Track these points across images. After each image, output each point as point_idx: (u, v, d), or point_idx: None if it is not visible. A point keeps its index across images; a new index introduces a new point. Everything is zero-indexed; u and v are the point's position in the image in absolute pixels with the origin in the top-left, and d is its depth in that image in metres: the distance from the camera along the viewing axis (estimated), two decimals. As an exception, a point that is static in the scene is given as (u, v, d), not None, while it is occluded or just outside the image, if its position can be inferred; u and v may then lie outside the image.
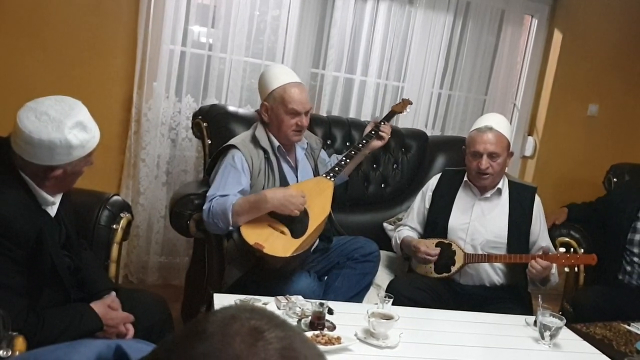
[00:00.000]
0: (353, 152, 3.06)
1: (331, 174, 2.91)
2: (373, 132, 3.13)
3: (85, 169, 1.96)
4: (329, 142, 3.50)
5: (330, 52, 3.94)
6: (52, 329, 1.79)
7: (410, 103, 3.37)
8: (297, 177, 2.91)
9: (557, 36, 4.50)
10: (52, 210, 1.96)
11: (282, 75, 2.84)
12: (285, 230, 2.63)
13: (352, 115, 4.03)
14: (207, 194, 2.68)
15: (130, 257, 3.74)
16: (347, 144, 3.54)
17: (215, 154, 2.86)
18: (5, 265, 1.73)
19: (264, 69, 3.05)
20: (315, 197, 2.75)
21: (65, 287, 1.93)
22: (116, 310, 2.02)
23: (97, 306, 1.97)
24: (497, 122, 2.91)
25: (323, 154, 3.19)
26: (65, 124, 1.80)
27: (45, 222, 1.87)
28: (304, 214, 2.68)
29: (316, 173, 3.02)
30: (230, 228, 2.61)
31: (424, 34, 4.11)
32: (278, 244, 2.56)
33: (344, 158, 3.02)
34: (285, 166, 2.88)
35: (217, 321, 0.67)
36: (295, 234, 2.62)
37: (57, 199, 1.97)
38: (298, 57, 3.85)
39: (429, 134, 3.96)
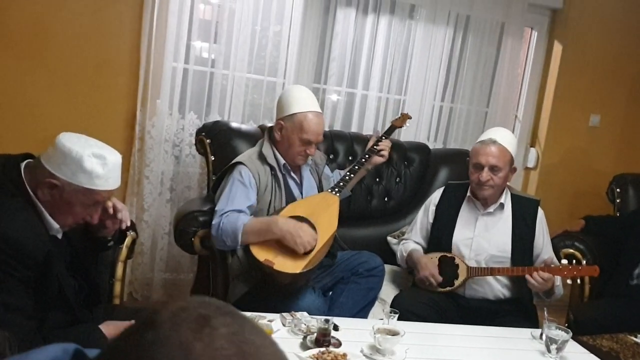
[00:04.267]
0: (356, 167, 3.07)
1: (336, 189, 2.92)
2: (375, 148, 3.14)
3: (81, 214, 1.90)
4: (331, 156, 3.51)
5: (332, 64, 3.96)
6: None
7: (410, 117, 3.39)
8: (302, 193, 2.93)
9: (557, 48, 4.52)
10: (59, 234, 1.96)
11: (306, 101, 2.84)
12: None
13: (354, 129, 4.04)
14: (216, 209, 2.69)
15: (134, 274, 3.74)
16: (350, 158, 3.56)
17: (222, 171, 2.87)
18: (14, 287, 1.73)
19: (288, 88, 3.06)
20: (322, 212, 2.76)
21: (72, 308, 1.94)
22: None
23: (109, 327, 1.97)
24: (501, 136, 2.89)
25: (327, 169, 3.20)
26: (91, 148, 1.83)
27: (53, 246, 1.86)
28: (312, 229, 2.68)
29: (320, 189, 3.03)
30: (238, 247, 2.62)
31: (425, 47, 4.13)
32: (287, 260, 2.56)
33: (348, 173, 3.03)
34: (290, 182, 2.90)
35: (167, 311, 0.69)
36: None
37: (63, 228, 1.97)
38: (300, 73, 3.87)
39: (431, 146, 3.97)
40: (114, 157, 1.90)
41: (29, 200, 1.83)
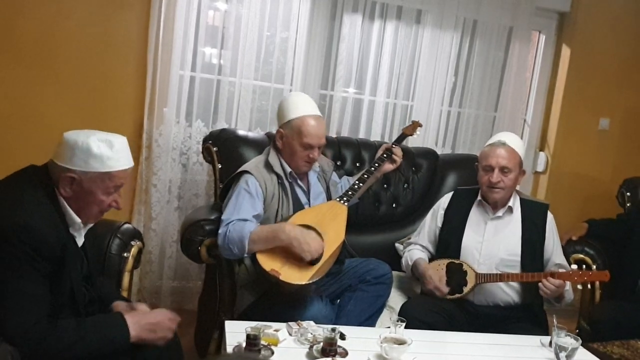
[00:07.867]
0: (365, 176, 3.05)
1: (344, 198, 2.90)
2: (385, 155, 3.12)
3: (106, 201, 1.95)
4: (338, 162, 3.50)
5: (338, 71, 3.95)
6: (67, 334, 1.79)
7: (420, 125, 3.37)
8: (309, 200, 2.91)
9: (566, 51, 4.50)
10: (79, 239, 1.99)
11: (302, 106, 2.83)
12: None
13: (361, 135, 4.04)
14: (223, 218, 2.67)
15: (143, 282, 3.75)
16: (357, 164, 3.55)
17: (228, 179, 2.87)
18: (31, 275, 1.76)
19: (285, 96, 3.05)
20: (329, 221, 2.75)
21: (80, 315, 1.94)
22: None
23: (131, 314, 1.98)
24: (510, 139, 2.93)
25: (334, 176, 3.18)
26: (95, 135, 1.91)
27: (70, 244, 1.90)
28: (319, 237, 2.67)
29: (328, 196, 3.02)
30: (245, 255, 2.61)
31: (432, 52, 4.12)
32: (294, 270, 2.55)
33: (357, 182, 3.01)
34: (298, 190, 2.88)
35: None
36: (311, 261, 2.61)
37: (85, 228, 2.00)
38: (307, 79, 3.87)
39: (439, 152, 3.95)
40: (120, 139, 1.97)
41: (53, 195, 1.89)
